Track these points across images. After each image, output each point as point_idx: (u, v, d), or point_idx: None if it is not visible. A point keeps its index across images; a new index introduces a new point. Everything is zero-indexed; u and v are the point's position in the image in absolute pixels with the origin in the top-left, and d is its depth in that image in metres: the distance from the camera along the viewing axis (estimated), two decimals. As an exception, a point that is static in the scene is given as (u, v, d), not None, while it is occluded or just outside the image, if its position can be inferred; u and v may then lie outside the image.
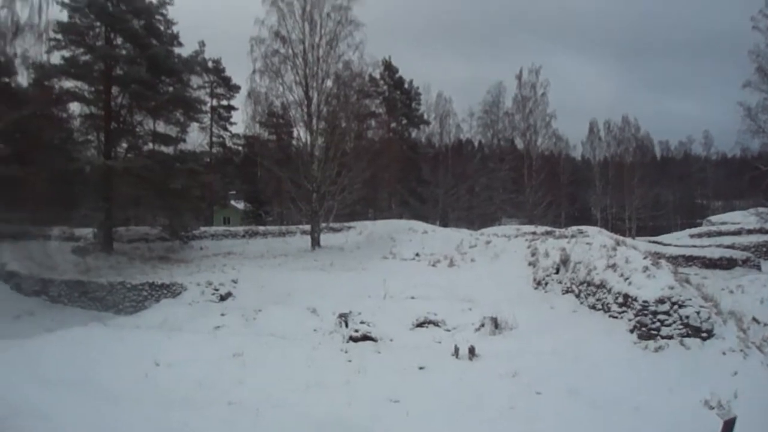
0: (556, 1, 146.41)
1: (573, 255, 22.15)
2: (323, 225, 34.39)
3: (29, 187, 28.52)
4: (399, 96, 63.47)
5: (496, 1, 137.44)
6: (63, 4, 33.77)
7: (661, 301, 15.73)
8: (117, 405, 11.66)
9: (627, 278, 17.69)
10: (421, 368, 14.08)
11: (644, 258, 19.00)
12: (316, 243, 33.71)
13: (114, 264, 31.15)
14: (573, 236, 27.56)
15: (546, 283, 22.50)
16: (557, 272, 22.39)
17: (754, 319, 18.30)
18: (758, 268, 34.40)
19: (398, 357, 14.88)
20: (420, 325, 18.20)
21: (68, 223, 36.50)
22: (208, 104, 59.34)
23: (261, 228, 41.75)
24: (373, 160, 35.94)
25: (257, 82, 34.42)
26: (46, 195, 29.92)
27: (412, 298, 21.22)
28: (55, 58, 34.53)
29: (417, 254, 29.50)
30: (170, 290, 25.64)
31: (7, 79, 32.07)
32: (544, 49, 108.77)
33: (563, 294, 21.00)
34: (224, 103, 63.06)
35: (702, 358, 14.09)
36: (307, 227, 35.72)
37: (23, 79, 33.08)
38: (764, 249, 43.82)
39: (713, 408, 11.35)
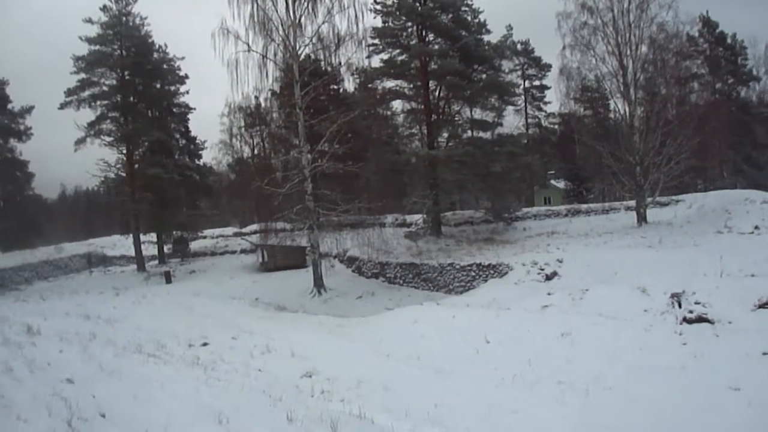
0: None
1: None
2: (649, 200, 32.80)
3: (363, 180, 31.29)
4: (722, 53, 58.22)
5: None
6: (376, 11, 36.64)
7: None
8: (450, 380, 12.35)
9: None
10: (765, 354, 12.88)
11: None
12: (642, 219, 32.34)
13: (443, 247, 32.98)
14: None
15: None
16: None
17: None
18: None
19: (739, 341, 13.68)
20: (763, 305, 16.59)
21: (400, 210, 39.41)
22: (521, 86, 60.00)
23: (583, 206, 41.11)
24: (699, 126, 33.49)
25: (568, 57, 33.85)
26: (379, 186, 32.49)
27: (753, 276, 19.33)
28: (375, 61, 37.60)
29: (756, 227, 26.92)
30: (497, 270, 26.48)
31: (335, 87, 35.43)
32: None
33: None
34: (536, 83, 63.19)
35: None
36: (632, 203, 34.40)
37: (349, 84, 36.37)
38: None
39: None
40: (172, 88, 46.73)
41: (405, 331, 16.65)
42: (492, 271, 26.78)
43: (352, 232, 33.42)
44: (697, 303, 16.64)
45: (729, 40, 58.47)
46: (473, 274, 27.64)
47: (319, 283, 30.18)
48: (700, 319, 15.84)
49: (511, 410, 10.30)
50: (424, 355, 13.99)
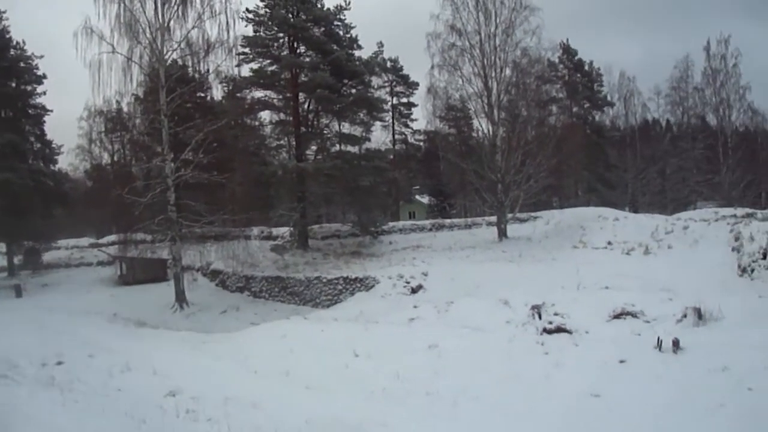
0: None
1: (787, 239, 20.54)
2: (509, 215, 34.09)
3: (229, 191, 30.60)
4: (580, 79, 61.57)
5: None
6: (248, 20, 36.14)
7: None
8: (320, 394, 12.20)
9: None
10: (621, 361, 13.50)
11: None
12: (502, 234, 33.53)
13: (310, 260, 32.83)
14: (775, 218, 25.55)
15: (752, 270, 21.00)
16: (765, 258, 20.85)
17: None
18: None
19: (596, 350, 14.38)
20: (617, 316, 17.51)
21: (266, 223, 38.93)
22: (389, 103, 60.86)
23: (447, 221, 42.09)
24: (557, 147, 35.20)
25: (436, 76, 34.84)
26: (245, 198, 31.90)
27: (606, 288, 20.48)
28: (245, 70, 37.00)
29: (609, 243, 28.54)
30: (363, 284, 26.63)
31: (203, 94, 34.58)
32: (729, 17, 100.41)
33: (774, 280, 19.51)
34: (404, 100, 64.28)
35: None
36: (493, 218, 35.61)
37: (217, 92, 35.54)
38: None
39: None
40: (29, 87, 43.91)
41: (273, 346, 16.34)
42: (359, 285, 26.89)
43: (216, 245, 32.53)
44: (556, 314, 17.37)
45: (587, 68, 61.96)
46: (340, 287, 27.65)
47: (181, 298, 29.06)
48: (560, 330, 16.53)
49: (381, 423, 10.25)
50: (293, 370, 13.76)
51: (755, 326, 15.11)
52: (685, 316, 16.65)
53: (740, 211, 31.05)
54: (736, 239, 24.00)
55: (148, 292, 32.46)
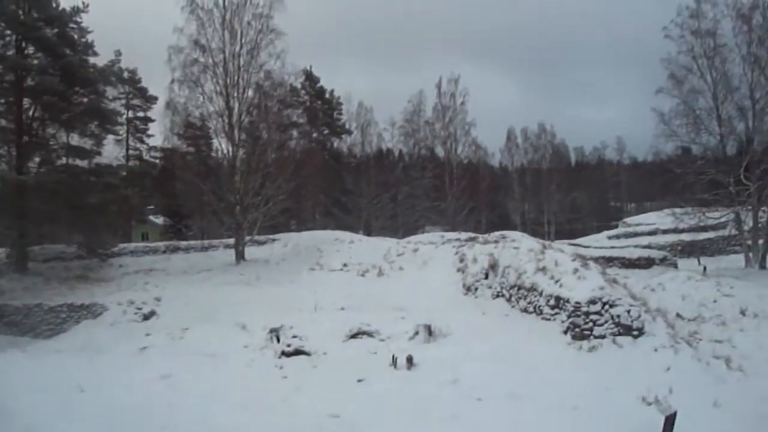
0: (463, 13, 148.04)
1: (501, 260, 22.23)
2: (247, 238, 33.67)
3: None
4: (320, 106, 63.22)
5: (412, 16, 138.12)
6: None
7: (592, 302, 15.97)
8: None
9: (557, 280, 17.87)
10: (359, 380, 13.78)
11: (573, 260, 19.25)
12: (240, 257, 33.02)
13: (29, 285, 29.77)
14: (497, 241, 27.72)
15: (476, 289, 22.56)
16: (486, 277, 22.50)
17: (678, 315, 19.05)
18: (675, 266, 35.58)
19: (335, 370, 14.55)
20: (353, 336, 17.90)
21: (-22, 242, 34.78)
22: (124, 116, 57.78)
23: (183, 243, 40.59)
24: (296, 170, 35.53)
25: (176, 92, 33.51)
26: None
27: (343, 309, 20.96)
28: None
29: (345, 264, 29.22)
30: (90, 311, 24.72)
31: None
32: (461, 59, 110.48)
33: (494, 299, 21.09)
34: (140, 114, 61.29)
35: (635, 355, 14.39)
36: (231, 241, 34.93)
37: None
38: (679, 247, 45.79)
39: (651, 404, 11.55)
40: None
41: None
42: (85, 312, 24.84)
43: None
44: (294, 337, 17.36)
45: (327, 95, 63.71)
46: (64, 315, 25.33)
47: None
48: (298, 352, 16.55)
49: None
50: (16, 408, 12.22)
51: (480, 340, 16.28)
52: (417, 333, 17.52)
53: (464, 235, 33.37)
54: (461, 261, 25.57)
55: None
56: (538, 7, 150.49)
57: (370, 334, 17.96)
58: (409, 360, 14.82)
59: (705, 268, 34.12)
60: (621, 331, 15.44)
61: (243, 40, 33.17)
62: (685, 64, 37.50)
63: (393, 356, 14.98)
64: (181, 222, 54.43)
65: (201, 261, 34.60)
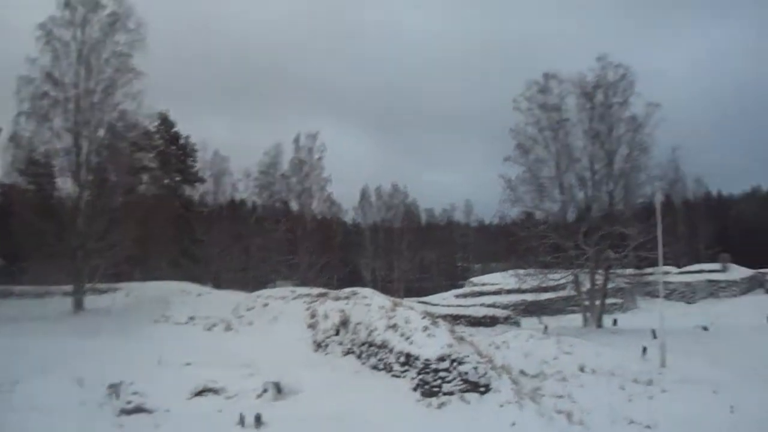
0: (327, 70, 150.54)
1: (353, 316, 22.38)
2: (88, 285, 31.86)
3: None
4: (174, 151, 61.44)
5: (276, 68, 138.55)
6: None
7: (441, 359, 16.43)
8: None
9: (408, 338, 18.19)
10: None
11: (423, 318, 19.60)
12: (79, 305, 31.12)
13: None
14: (348, 297, 27.75)
15: (327, 345, 22.50)
16: (337, 334, 22.50)
17: (522, 372, 19.75)
18: (518, 324, 37.21)
19: (178, 429, 13.85)
20: (199, 393, 17.18)
21: None
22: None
23: (16, 288, 37.72)
24: (144, 216, 34.25)
25: (22, 125, 31.61)
26: None
27: (189, 364, 20.06)
28: None
29: (191, 318, 28.17)
30: None
31: None
32: (322, 115, 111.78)
33: (344, 355, 21.15)
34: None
35: (482, 411, 14.87)
36: (70, 288, 32.85)
37: None
38: (522, 307, 48.01)
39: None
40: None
41: None
42: None
43: None
44: (135, 393, 16.51)
45: (182, 141, 61.96)
46: None
47: None
48: (139, 410, 15.74)
49: None
50: None
51: (330, 398, 16.13)
52: (265, 390, 17.14)
53: (315, 291, 33.15)
54: (312, 317, 25.35)
55: None
56: (398, 72, 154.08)
57: (216, 391, 17.34)
58: (258, 419, 14.40)
59: (546, 327, 35.93)
60: (469, 387, 16.02)
61: (99, 77, 31.99)
62: (531, 135, 40.38)
63: (241, 415, 14.50)
64: (16, 264, 50.85)
65: (36, 308, 32.17)
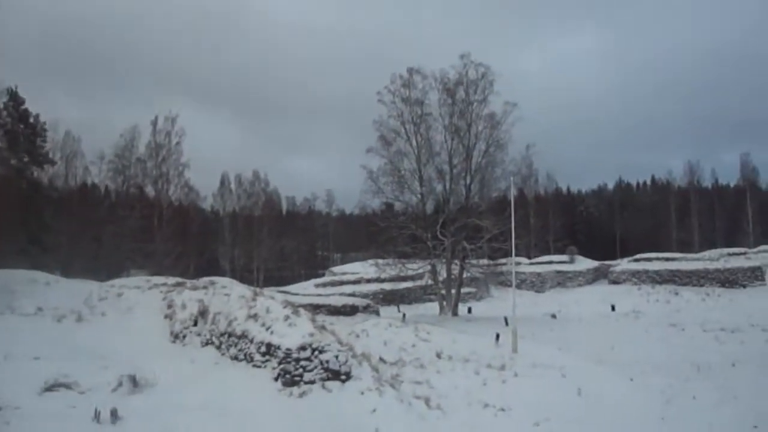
0: (188, 52, 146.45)
1: (212, 306, 22.25)
2: None
3: None
4: (23, 130, 57.96)
5: (134, 47, 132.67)
6: None
7: (302, 348, 16.77)
8: None
9: (269, 328, 18.39)
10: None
11: (284, 307, 19.91)
12: None
13: None
14: (206, 287, 27.54)
15: (184, 336, 22.20)
16: (195, 324, 22.27)
17: (381, 359, 20.47)
18: (377, 313, 38.16)
19: (29, 428, 13.52)
20: (50, 388, 16.67)
21: None
22: None
23: None
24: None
25: None
26: None
27: (38, 358, 19.32)
28: None
29: (39, 308, 26.82)
30: None
31: None
32: (182, 98, 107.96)
33: (203, 346, 20.93)
34: None
35: (343, 399, 15.36)
36: None
37: None
38: (381, 296, 49.25)
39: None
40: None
41: None
42: None
43: None
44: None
45: (32, 120, 58.35)
46: None
47: None
48: (-14, 406, 15.07)
49: None
50: None
51: (188, 389, 16.15)
52: (121, 384, 16.77)
53: (172, 280, 32.62)
54: (169, 307, 24.94)
55: None
56: (262, 58, 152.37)
57: (68, 386, 16.79)
58: (113, 413, 14.19)
59: (404, 315, 37.05)
60: (330, 376, 16.43)
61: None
62: (394, 127, 41.36)
63: (95, 409, 14.27)
64: None
65: None
